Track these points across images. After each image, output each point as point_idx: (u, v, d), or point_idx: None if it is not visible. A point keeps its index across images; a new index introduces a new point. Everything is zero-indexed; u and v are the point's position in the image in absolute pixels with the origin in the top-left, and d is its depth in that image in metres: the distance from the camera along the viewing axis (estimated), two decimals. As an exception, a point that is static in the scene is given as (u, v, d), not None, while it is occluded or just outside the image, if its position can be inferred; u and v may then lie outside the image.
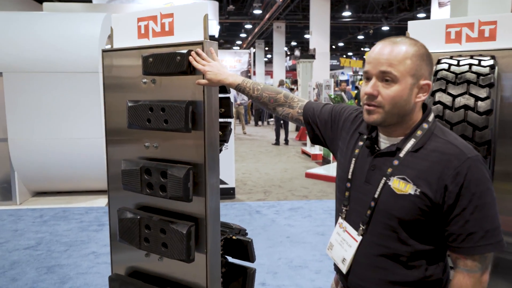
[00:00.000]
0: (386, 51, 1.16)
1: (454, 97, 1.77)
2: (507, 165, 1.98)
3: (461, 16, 6.43)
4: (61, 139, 5.56)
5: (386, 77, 1.15)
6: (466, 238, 1.13)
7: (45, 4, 7.71)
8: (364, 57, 28.07)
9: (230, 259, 2.30)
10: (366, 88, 1.18)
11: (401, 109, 1.17)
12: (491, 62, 1.81)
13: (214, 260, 1.84)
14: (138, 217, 1.83)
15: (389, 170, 1.20)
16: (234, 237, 2.18)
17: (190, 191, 1.71)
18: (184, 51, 1.68)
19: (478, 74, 1.77)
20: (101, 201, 5.74)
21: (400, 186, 1.17)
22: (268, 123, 18.83)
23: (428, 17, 15.23)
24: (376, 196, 1.21)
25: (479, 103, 1.73)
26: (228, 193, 6.08)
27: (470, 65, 1.82)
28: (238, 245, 2.19)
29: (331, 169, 7.65)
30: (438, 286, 1.23)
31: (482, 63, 1.81)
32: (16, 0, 12.94)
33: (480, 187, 1.12)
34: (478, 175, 1.12)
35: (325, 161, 8.85)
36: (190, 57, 1.68)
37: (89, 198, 5.92)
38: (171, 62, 1.71)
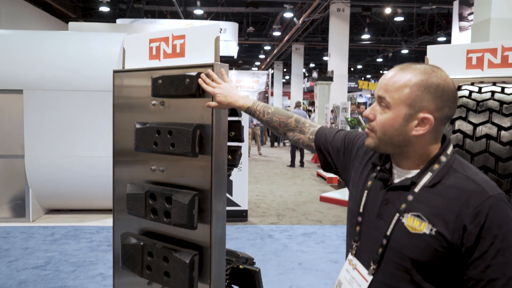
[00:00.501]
0: (388, 76, 1.12)
1: (475, 125, 1.68)
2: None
3: (482, 41, 6.31)
4: (76, 157, 5.59)
5: (381, 103, 1.12)
6: (487, 285, 1.02)
7: (70, 23, 7.91)
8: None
9: (237, 288, 2.21)
10: (365, 110, 1.17)
11: (392, 138, 1.11)
12: (515, 89, 1.71)
13: (218, 291, 1.76)
14: (142, 243, 1.76)
15: (403, 205, 1.11)
16: (241, 266, 2.10)
17: (194, 219, 1.65)
18: (193, 73, 1.64)
19: (502, 102, 1.67)
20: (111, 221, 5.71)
21: (415, 224, 1.08)
22: (284, 144, 18.76)
23: (448, 41, 15.11)
24: (388, 233, 1.12)
25: (503, 132, 1.63)
26: (241, 216, 5.98)
27: (493, 92, 1.73)
28: (245, 274, 2.10)
29: (346, 193, 7.46)
30: None
31: (506, 90, 1.72)
32: (43, 19, 13.41)
33: (503, 229, 1.02)
34: (501, 215, 1.02)
35: (340, 184, 8.69)
36: (200, 79, 1.64)
37: (101, 217, 5.90)
38: (180, 85, 1.67)
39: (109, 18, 16.19)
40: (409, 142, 1.11)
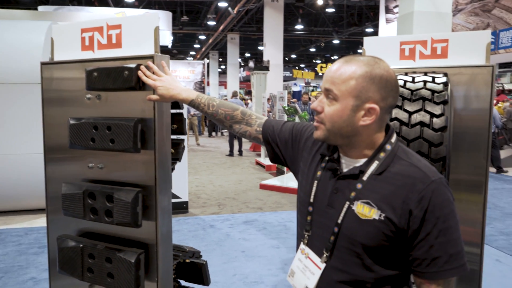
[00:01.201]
0: (333, 69, 1.14)
1: (410, 113, 1.77)
2: (457, 174, 2.02)
3: (407, 33, 6.67)
4: (0, 155, 5.15)
5: (328, 95, 1.14)
6: (431, 263, 1.10)
7: (-15, 10, 7.20)
8: (316, 68, 28.75)
9: (183, 282, 2.17)
10: (313, 103, 1.18)
11: (341, 129, 1.14)
12: (444, 79, 1.83)
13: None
14: (81, 245, 1.66)
15: (353, 194, 1.15)
16: (187, 260, 2.06)
17: (139, 216, 1.58)
18: (133, 65, 1.56)
19: (433, 91, 1.78)
20: (43, 221, 5.34)
21: (364, 211, 1.12)
22: (222, 134, 18.71)
23: (376, 32, 15.87)
24: (339, 221, 1.15)
25: (434, 119, 1.73)
26: (181, 208, 5.89)
27: (425, 82, 1.84)
28: (192, 268, 2.08)
29: (285, 180, 7.65)
30: None
31: (436, 80, 1.83)
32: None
33: (444, 211, 1.09)
34: (442, 198, 1.10)
35: (279, 171, 8.86)
36: (139, 71, 1.56)
37: (29, 217, 5.50)
38: (118, 77, 1.58)
39: (30, 5, 14.99)
40: (356, 132, 1.14)
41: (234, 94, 13.23)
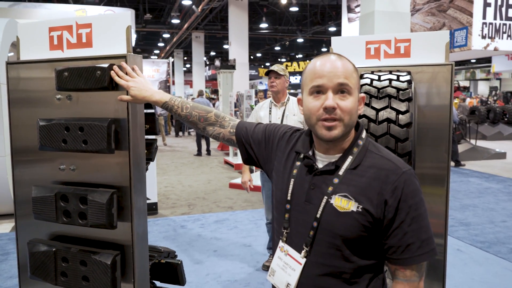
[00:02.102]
0: (339, 65, 1.17)
1: (377, 110, 1.85)
2: (422, 169, 2.12)
3: (369, 32, 6.83)
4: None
5: (343, 89, 1.16)
6: (405, 250, 1.17)
7: None
8: (281, 67, 28.89)
9: (158, 283, 2.17)
10: (327, 101, 1.15)
11: (353, 121, 1.20)
12: (408, 77, 1.92)
13: (142, 289, 1.71)
14: (53, 249, 1.63)
15: (330, 188, 1.20)
16: (162, 261, 2.06)
17: (114, 218, 1.57)
18: (105, 65, 1.55)
19: (398, 89, 1.86)
20: (5, 227, 5.14)
21: (343, 203, 1.17)
22: (189, 133, 18.54)
23: (339, 31, 16.19)
24: (318, 216, 1.20)
25: (400, 116, 1.82)
26: (151, 209, 5.82)
27: (390, 80, 1.92)
28: (167, 268, 2.07)
29: (254, 178, 7.69)
30: None
31: (401, 78, 1.91)
32: None
33: (415, 199, 1.17)
34: (413, 188, 1.17)
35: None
36: (112, 72, 1.55)
37: (-11, 223, 5.28)
38: (90, 77, 1.56)
39: (-18, 0, 14.27)
40: (355, 123, 1.22)
41: (200, 94, 13.16)
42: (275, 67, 3.61)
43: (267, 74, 3.64)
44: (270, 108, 3.67)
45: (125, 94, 1.55)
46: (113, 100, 1.59)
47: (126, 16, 1.62)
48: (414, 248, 1.16)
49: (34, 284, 1.82)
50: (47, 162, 1.75)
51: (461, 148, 10.34)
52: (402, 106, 1.81)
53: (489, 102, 20.35)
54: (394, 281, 1.22)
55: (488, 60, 23.54)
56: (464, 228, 5.12)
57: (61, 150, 1.62)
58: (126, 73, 1.56)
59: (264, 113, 3.70)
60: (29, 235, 1.80)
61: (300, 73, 23.24)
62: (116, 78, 1.54)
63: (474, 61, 27.05)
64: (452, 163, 9.52)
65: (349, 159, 1.21)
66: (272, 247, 1.40)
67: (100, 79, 1.54)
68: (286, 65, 26.27)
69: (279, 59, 34.03)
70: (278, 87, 3.57)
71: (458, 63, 26.50)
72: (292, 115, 3.53)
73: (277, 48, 28.10)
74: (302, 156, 1.28)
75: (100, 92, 1.60)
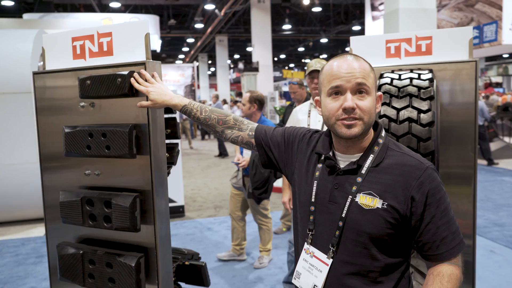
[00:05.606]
0: (356, 65, 1.19)
1: (398, 110, 1.82)
2: (447, 168, 2.07)
3: (393, 30, 6.71)
4: (-9, 166, 5.12)
5: (361, 89, 1.17)
6: (440, 244, 1.17)
7: (-31, 20, 7.15)
8: (305, 68, 28.75)
9: (183, 285, 2.20)
10: (346, 102, 1.16)
11: (373, 120, 1.21)
12: (429, 75, 1.88)
13: (166, 291, 1.74)
14: (81, 252, 1.68)
15: (354, 187, 1.20)
16: (187, 263, 2.09)
17: (137, 221, 1.61)
18: (125, 72, 1.59)
19: (419, 88, 1.83)
20: (39, 230, 5.33)
21: (368, 201, 1.17)
22: (215, 136, 18.69)
23: (363, 30, 15.97)
24: (343, 215, 1.20)
25: (422, 115, 1.78)
26: (177, 212, 5.91)
27: (411, 78, 1.88)
28: (192, 270, 2.10)
29: (280, 180, 7.67)
30: None
31: (422, 76, 1.88)
32: None
33: (441, 193, 1.18)
34: (437, 182, 1.18)
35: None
36: (132, 78, 1.59)
37: (24, 228, 5.48)
38: (111, 84, 1.60)
39: (14, 13, 14.87)
40: (373, 121, 1.23)
41: (216, 97, 13.46)
42: (318, 66, 3.06)
43: (310, 74, 3.09)
44: (310, 110, 3.17)
45: (145, 100, 1.59)
46: (133, 106, 1.63)
47: (144, 23, 1.66)
48: (448, 240, 1.17)
49: (64, 285, 1.88)
50: (73, 168, 1.81)
51: (494, 146, 10.00)
52: (424, 105, 1.78)
53: (523, 98, 19.57)
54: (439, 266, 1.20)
55: (521, 54, 22.69)
56: (498, 229, 4.95)
57: (85, 155, 1.67)
58: (146, 80, 1.60)
59: (302, 117, 3.22)
60: (58, 238, 1.87)
61: (325, 73, 22.93)
62: (136, 85, 1.58)
63: (506, 56, 26.11)
64: (485, 162, 9.22)
65: (371, 158, 1.21)
66: (294, 250, 1.40)
67: (121, 86, 1.59)
68: (310, 66, 26.01)
69: (303, 60, 33.88)
70: None
71: (489, 58, 25.65)
72: None
73: (301, 49, 27.98)
74: (323, 157, 1.28)
75: (121, 99, 1.65)
